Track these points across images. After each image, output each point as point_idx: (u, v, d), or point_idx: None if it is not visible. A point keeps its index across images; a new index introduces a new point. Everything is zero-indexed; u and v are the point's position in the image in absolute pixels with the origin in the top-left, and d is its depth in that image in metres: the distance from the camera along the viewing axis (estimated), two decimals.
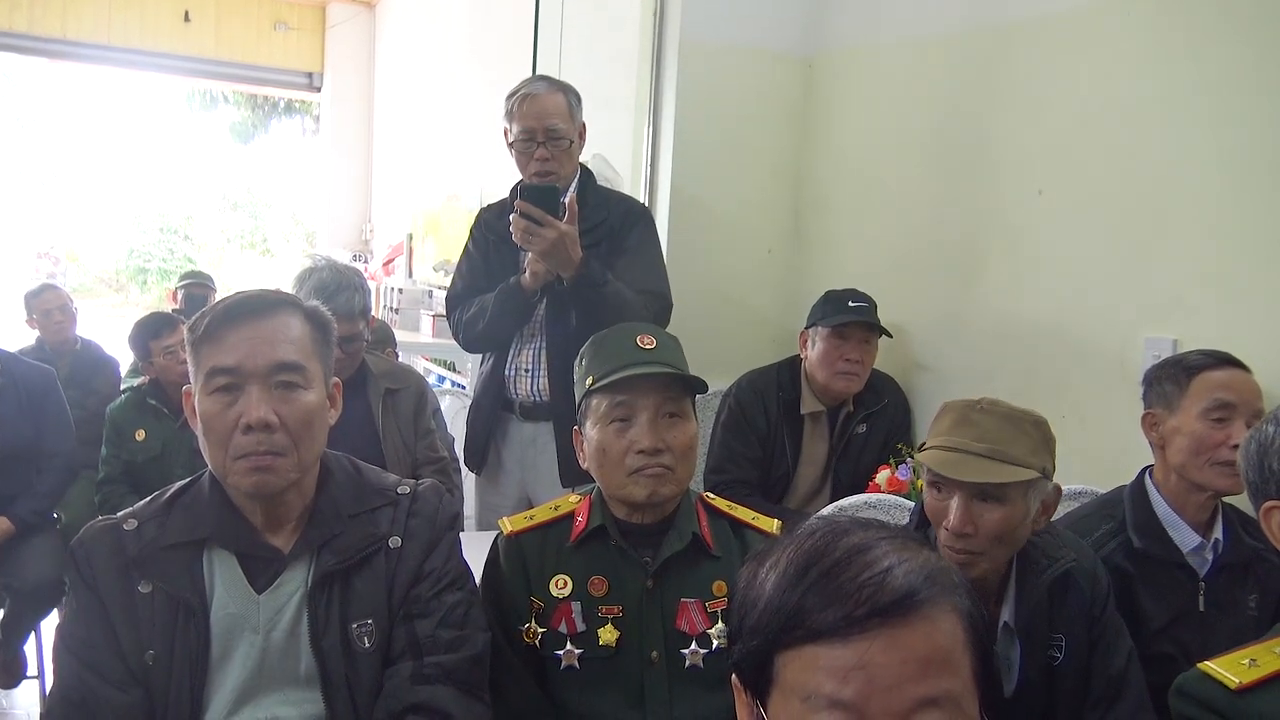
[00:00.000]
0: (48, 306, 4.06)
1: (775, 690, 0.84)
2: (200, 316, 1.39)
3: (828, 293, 2.84)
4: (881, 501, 2.17)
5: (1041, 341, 2.63)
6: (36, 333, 4.13)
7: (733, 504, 1.69)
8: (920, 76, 3.07)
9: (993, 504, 1.54)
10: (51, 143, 18.94)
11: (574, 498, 1.68)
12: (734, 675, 0.91)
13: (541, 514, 1.66)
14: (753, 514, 1.67)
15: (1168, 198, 2.30)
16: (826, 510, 2.21)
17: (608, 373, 1.58)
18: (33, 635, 3.23)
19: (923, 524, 1.69)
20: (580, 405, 1.65)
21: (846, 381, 2.76)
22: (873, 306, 2.80)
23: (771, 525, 1.65)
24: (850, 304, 2.76)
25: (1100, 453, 2.39)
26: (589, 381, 1.61)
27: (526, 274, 2.44)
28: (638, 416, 1.56)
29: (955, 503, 1.55)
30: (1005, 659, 1.63)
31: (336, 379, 1.50)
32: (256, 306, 1.39)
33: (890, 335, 2.81)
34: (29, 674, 3.25)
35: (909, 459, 2.61)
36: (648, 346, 1.60)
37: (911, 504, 2.09)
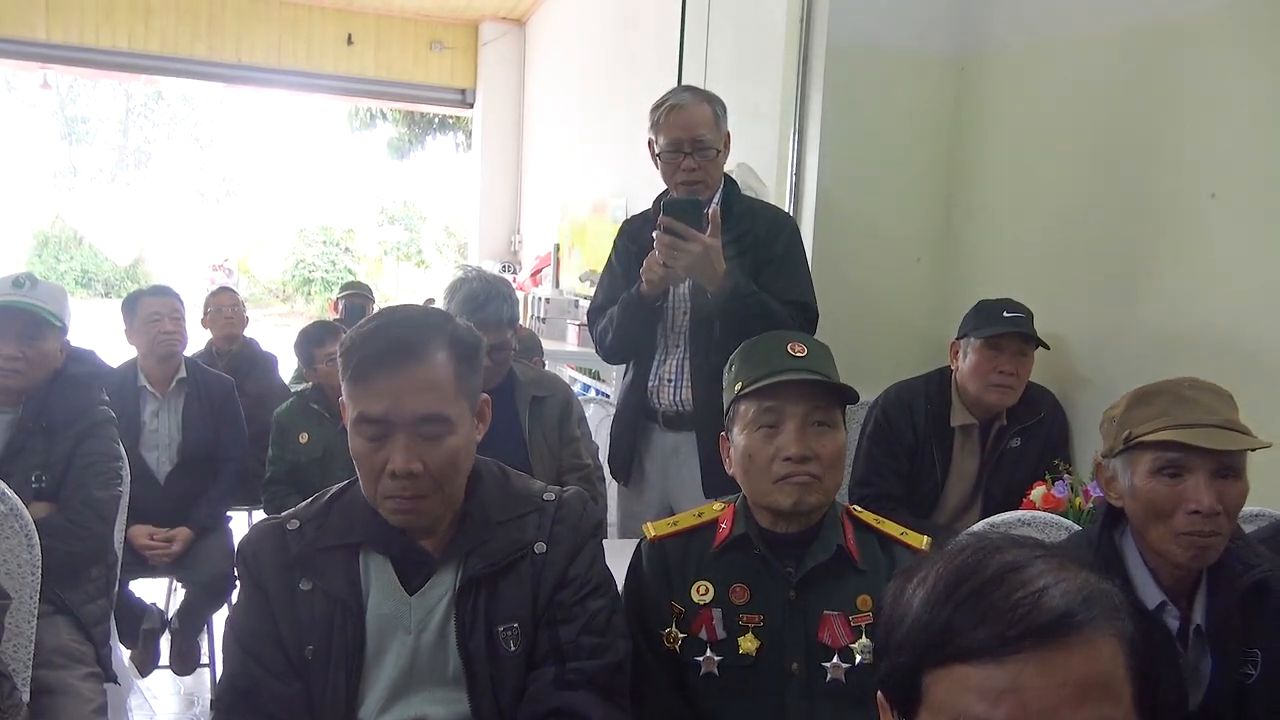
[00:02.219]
0: (221, 303, 4.40)
1: (923, 709, 0.82)
2: (350, 348, 1.40)
3: (981, 302, 2.75)
4: (1036, 519, 2.09)
5: (1214, 354, 2.47)
6: (209, 335, 4.43)
7: (881, 518, 1.65)
8: (1079, 77, 2.95)
9: (1232, 479, 1.50)
10: (227, 162, 20.27)
11: (718, 505, 1.67)
12: (880, 692, 0.89)
13: (685, 520, 1.66)
14: (901, 529, 1.63)
15: None
16: (978, 527, 2.13)
17: (757, 378, 1.57)
18: (204, 628, 3.43)
19: (1108, 524, 1.62)
20: (728, 411, 1.65)
21: (1000, 394, 2.66)
22: (1029, 317, 2.69)
23: (921, 541, 1.60)
24: (1005, 314, 2.67)
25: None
26: (738, 387, 1.61)
27: (643, 282, 2.45)
28: (785, 423, 1.55)
29: (1200, 482, 1.48)
30: (1195, 668, 1.54)
31: (485, 395, 1.51)
32: (404, 349, 1.38)
33: (1047, 347, 2.70)
34: (202, 662, 3.44)
35: (1066, 475, 2.50)
36: (798, 354, 1.59)
37: (1069, 523, 2.01)
